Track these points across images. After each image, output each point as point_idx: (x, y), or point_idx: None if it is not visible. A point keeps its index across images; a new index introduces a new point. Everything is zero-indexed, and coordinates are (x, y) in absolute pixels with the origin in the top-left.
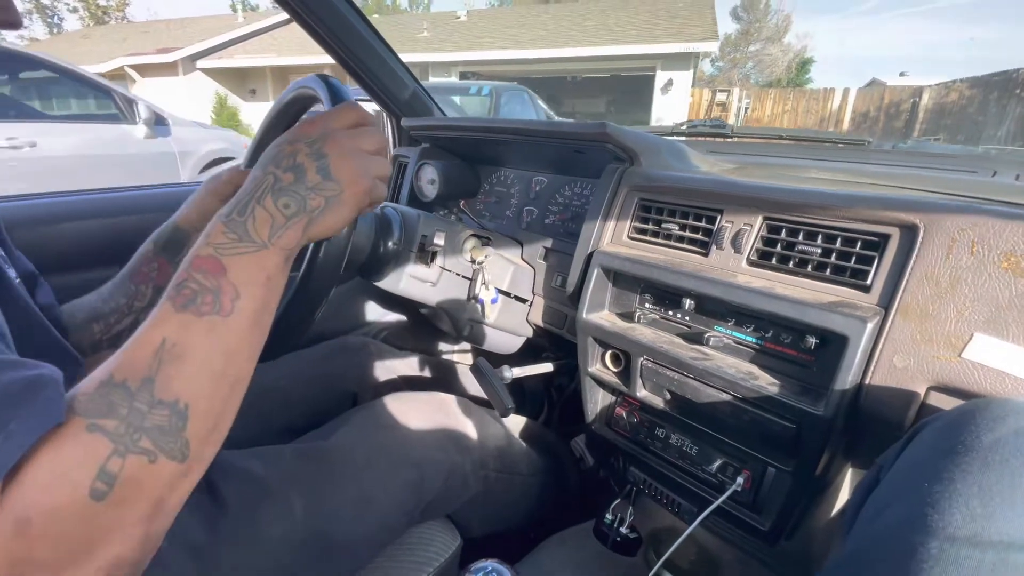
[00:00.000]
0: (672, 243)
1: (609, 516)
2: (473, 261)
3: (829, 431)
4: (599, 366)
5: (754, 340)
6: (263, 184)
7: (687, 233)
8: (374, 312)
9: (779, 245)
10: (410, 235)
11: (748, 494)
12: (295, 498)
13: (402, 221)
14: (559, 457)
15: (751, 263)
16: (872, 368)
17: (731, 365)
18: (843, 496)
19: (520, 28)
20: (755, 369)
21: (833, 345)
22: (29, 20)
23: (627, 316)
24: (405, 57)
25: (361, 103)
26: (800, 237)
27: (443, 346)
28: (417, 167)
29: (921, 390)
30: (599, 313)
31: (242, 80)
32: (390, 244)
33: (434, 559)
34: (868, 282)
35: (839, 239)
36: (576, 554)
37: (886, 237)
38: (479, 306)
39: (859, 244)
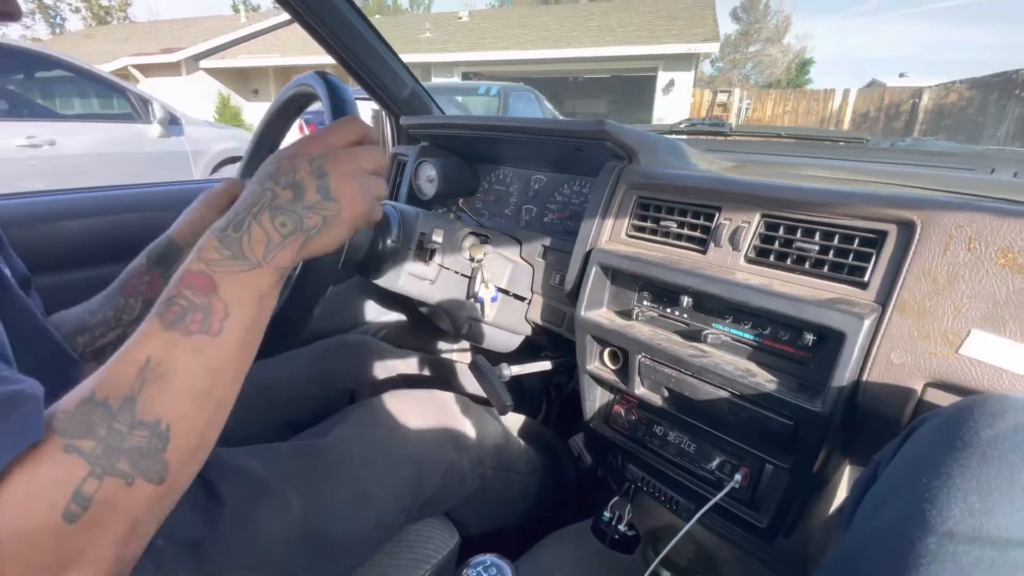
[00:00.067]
0: (670, 241)
1: (607, 514)
2: (472, 259)
3: (827, 428)
4: (597, 364)
5: (752, 337)
6: (260, 200)
7: (685, 231)
8: (373, 311)
9: (777, 242)
10: (408, 233)
11: (746, 491)
12: (293, 496)
13: (401, 219)
14: (557, 455)
15: (749, 260)
16: (869, 365)
17: (729, 362)
18: (841, 493)
19: (522, 29)
20: (753, 366)
21: (831, 342)
22: (32, 20)
23: (625, 314)
24: (408, 58)
25: (360, 102)
26: (798, 234)
27: (442, 344)
28: (416, 165)
29: (918, 386)
30: (597, 311)
31: (244, 80)
32: (388, 242)
33: (432, 556)
34: (866, 279)
35: (837, 236)
36: (574, 552)
37: (883, 234)
38: (478, 304)
39: (857, 241)
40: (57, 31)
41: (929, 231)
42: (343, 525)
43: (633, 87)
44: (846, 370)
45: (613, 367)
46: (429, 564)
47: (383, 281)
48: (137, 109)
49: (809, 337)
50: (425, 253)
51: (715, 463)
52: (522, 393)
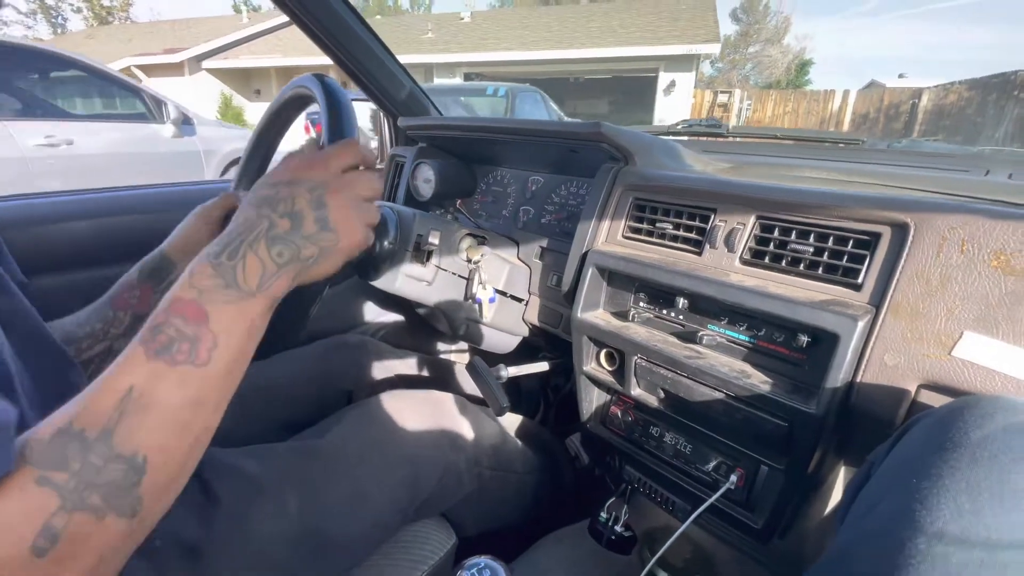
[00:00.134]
0: (666, 242)
1: (604, 515)
2: (469, 260)
3: (821, 429)
4: (594, 365)
5: (747, 339)
6: (257, 228)
7: (681, 232)
8: (371, 311)
9: (772, 244)
10: (406, 234)
11: (741, 492)
12: (289, 496)
13: (398, 220)
14: (554, 455)
15: (744, 262)
16: (863, 366)
17: (724, 364)
18: (836, 494)
19: (524, 29)
20: (748, 367)
21: (825, 343)
22: (34, 20)
23: (622, 315)
24: (410, 58)
25: (358, 103)
26: (793, 236)
27: (440, 345)
28: (413, 166)
29: (912, 388)
30: (594, 312)
31: (246, 80)
32: (386, 243)
33: (429, 557)
34: (859, 281)
35: (831, 238)
36: (571, 552)
37: (877, 236)
38: (476, 305)
39: (851, 243)
40: (59, 31)
41: (922, 233)
42: (340, 525)
43: (634, 88)
44: (840, 371)
45: (609, 368)
46: (426, 565)
47: (380, 283)
48: (151, 109)
49: (803, 338)
50: (422, 254)
51: (711, 464)
52: (520, 394)
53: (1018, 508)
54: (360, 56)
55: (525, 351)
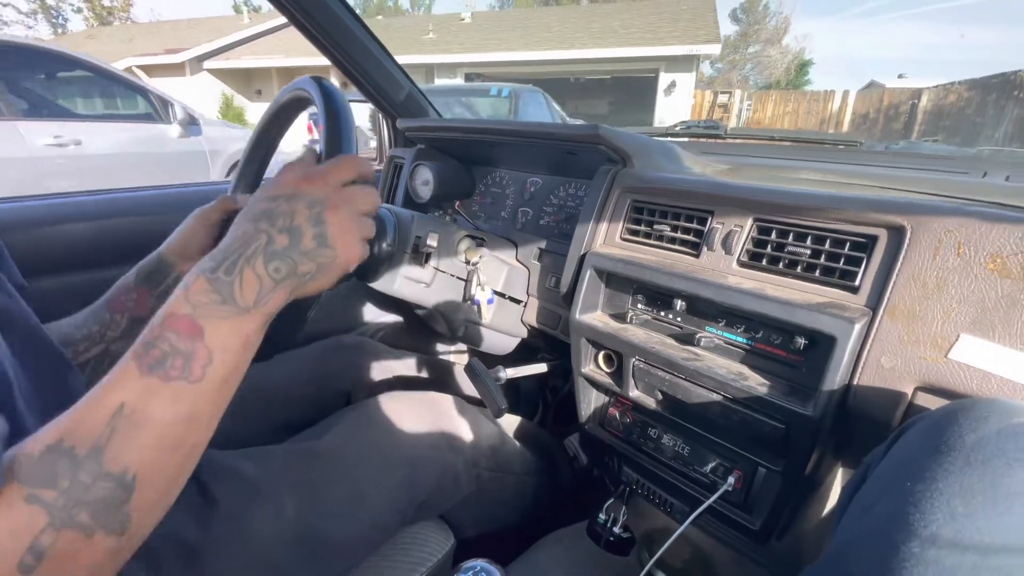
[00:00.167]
0: (664, 244)
1: (602, 516)
2: (467, 262)
3: (818, 431)
4: (592, 367)
5: (744, 341)
6: (255, 243)
7: (678, 234)
8: (370, 313)
9: (769, 246)
10: (404, 236)
11: (739, 494)
12: (287, 497)
13: (396, 222)
14: (553, 457)
15: (741, 264)
16: (860, 368)
17: (722, 366)
18: (833, 496)
19: (525, 30)
20: (745, 370)
21: (822, 346)
22: (34, 20)
23: (620, 317)
24: (411, 59)
25: (356, 104)
26: (790, 238)
27: (439, 346)
28: (412, 168)
29: (908, 390)
30: (592, 314)
31: (248, 81)
32: (384, 245)
33: (428, 559)
34: (856, 283)
35: (828, 240)
36: (570, 554)
37: (874, 239)
38: (475, 307)
39: (848, 245)
40: (59, 31)
41: (919, 236)
42: (338, 527)
43: (635, 88)
44: (837, 374)
45: (608, 370)
46: (425, 567)
47: (379, 284)
48: (157, 110)
49: (800, 341)
50: (421, 256)
51: (709, 466)
52: (519, 395)
53: (1011, 511)
54: (358, 58)
55: (524, 352)
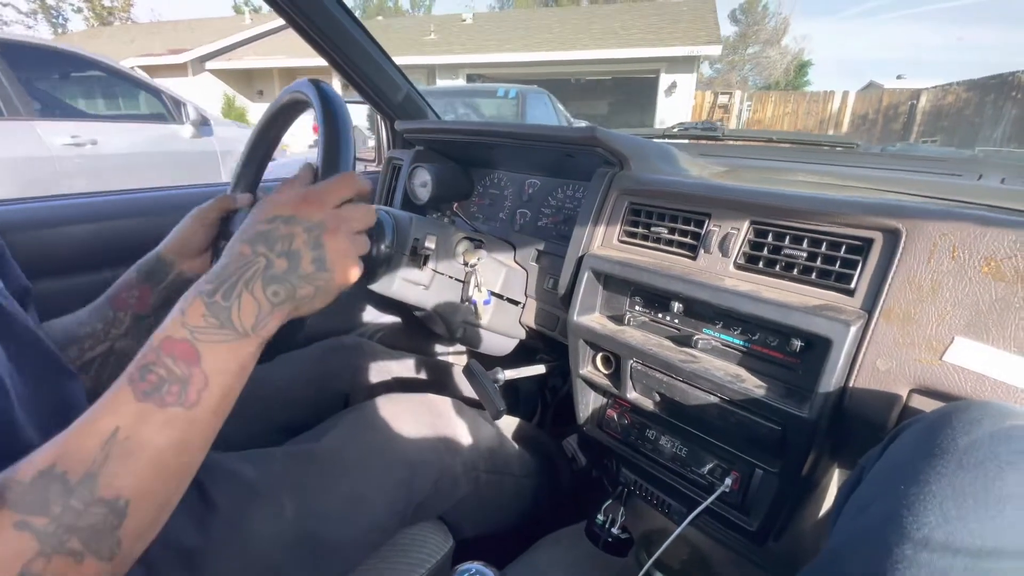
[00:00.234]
0: (661, 246)
1: (601, 517)
2: (466, 264)
3: (814, 433)
4: (590, 368)
5: (741, 343)
6: (253, 267)
7: (676, 237)
8: (369, 314)
9: (766, 249)
10: (402, 238)
11: (736, 495)
12: (286, 500)
13: (395, 224)
14: (551, 458)
15: (738, 267)
16: (856, 371)
17: (719, 368)
18: (830, 497)
19: (526, 31)
20: (742, 372)
21: (818, 348)
22: (34, 20)
23: (617, 319)
24: (412, 60)
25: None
26: (786, 241)
27: (438, 348)
28: (410, 170)
29: (903, 392)
30: (590, 316)
31: (249, 81)
32: (382, 247)
33: (426, 560)
34: (852, 286)
35: (824, 243)
36: (568, 555)
37: (869, 241)
38: (472, 308)
39: (844, 248)
40: (59, 31)
41: (914, 239)
42: (337, 529)
43: (635, 89)
44: (833, 376)
45: (606, 371)
46: (423, 568)
47: (377, 286)
48: (170, 110)
49: (797, 343)
50: (419, 258)
51: (706, 467)
52: (518, 396)
53: (1002, 515)
54: (356, 59)
55: (522, 354)
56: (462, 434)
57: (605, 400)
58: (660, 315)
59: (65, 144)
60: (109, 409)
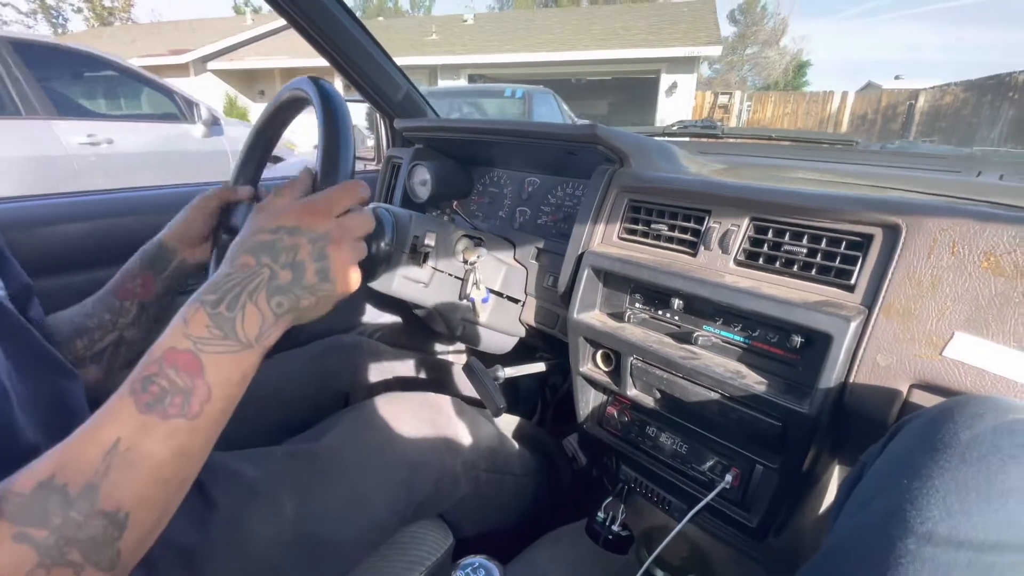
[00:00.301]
0: (661, 243)
1: (601, 514)
2: (465, 262)
3: (814, 429)
4: (590, 366)
5: (741, 339)
6: (258, 278)
7: (676, 233)
8: (369, 312)
9: (766, 245)
10: (402, 236)
11: (737, 491)
12: (285, 499)
13: (394, 222)
14: (552, 456)
15: (738, 263)
16: (856, 366)
17: (719, 364)
18: (830, 493)
19: (527, 31)
20: (743, 368)
21: (818, 344)
22: (34, 20)
23: (617, 316)
24: (414, 60)
25: (353, 104)
26: (786, 237)
27: (438, 346)
28: (410, 168)
29: (904, 388)
30: (590, 313)
31: (251, 82)
32: (382, 245)
33: (426, 558)
34: (852, 282)
35: (824, 239)
36: (569, 552)
37: (869, 237)
38: (471, 305)
39: (843, 244)
40: (59, 31)
41: (914, 234)
42: (336, 528)
43: (636, 89)
44: (833, 372)
45: (606, 369)
46: (423, 566)
47: (377, 284)
48: (183, 110)
49: (797, 339)
50: (419, 256)
51: (706, 464)
52: (518, 394)
53: (1005, 508)
54: (356, 58)
55: (522, 352)
56: (462, 433)
57: (605, 397)
58: (660, 312)
59: (82, 143)
60: (110, 419)
